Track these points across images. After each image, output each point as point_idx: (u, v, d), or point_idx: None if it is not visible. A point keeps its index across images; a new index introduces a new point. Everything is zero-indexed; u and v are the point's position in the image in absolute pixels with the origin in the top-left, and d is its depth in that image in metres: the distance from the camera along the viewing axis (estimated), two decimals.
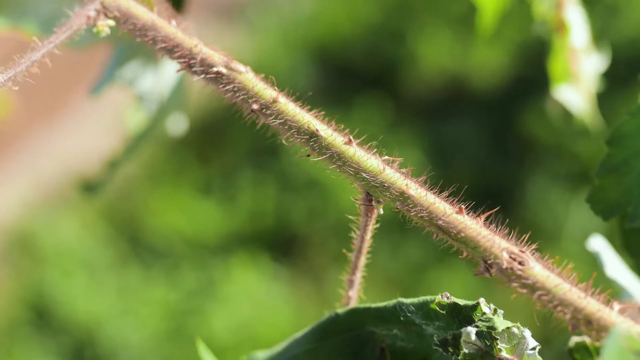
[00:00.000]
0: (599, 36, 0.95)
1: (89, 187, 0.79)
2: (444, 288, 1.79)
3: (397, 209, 0.52)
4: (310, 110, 0.53)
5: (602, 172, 0.59)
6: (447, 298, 0.53)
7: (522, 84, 2.47)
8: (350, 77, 2.53)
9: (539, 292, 0.49)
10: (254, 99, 0.53)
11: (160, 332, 2.15)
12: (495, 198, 2.29)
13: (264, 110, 0.53)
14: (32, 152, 2.47)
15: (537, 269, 0.50)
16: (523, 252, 0.50)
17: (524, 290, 0.50)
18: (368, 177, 0.52)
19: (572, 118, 0.94)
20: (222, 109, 2.35)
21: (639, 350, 0.44)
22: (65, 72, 2.24)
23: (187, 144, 2.43)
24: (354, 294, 0.56)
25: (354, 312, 0.56)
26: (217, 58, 0.54)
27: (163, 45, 0.54)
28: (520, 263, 0.50)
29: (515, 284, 0.50)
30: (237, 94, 0.53)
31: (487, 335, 0.52)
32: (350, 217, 0.55)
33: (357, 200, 0.54)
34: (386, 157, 0.52)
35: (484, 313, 0.52)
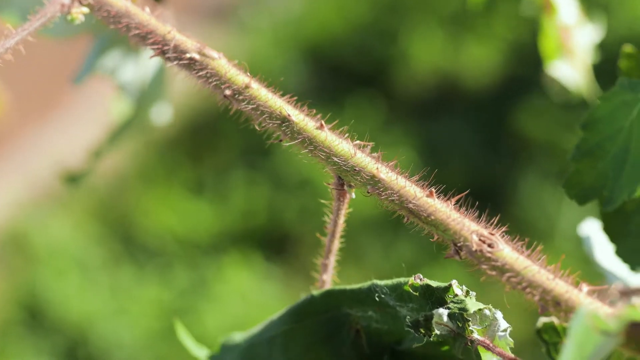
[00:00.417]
0: (590, 7, 0.95)
1: (72, 178, 0.79)
2: None
3: (369, 192, 0.52)
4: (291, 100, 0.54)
5: (576, 157, 0.59)
6: (420, 280, 0.53)
7: (514, 82, 2.47)
8: (342, 76, 2.54)
9: (508, 274, 0.50)
10: (227, 84, 0.54)
11: (153, 331, 2.15)
12: (488, 196, 2.29)
13: (236, 95, 0.54)
14: (25, 151, 2.47)
15: (506, 251, 0.50)
16: (492, 234, 0.50)
17: (493, 272, 0.50)
18: (339, 161, 0.53)
19: (569, 93, 0.94)
20: (214, 108, 2.36)
21: (605, 329, 0.44)
22: (58, 72, 2.24)
23: (179, 144, 2.44)
24: (328, 278, 0.57)
25: (330, 294, 0.56)
26: (190, 44, 0.54)
27: (137, 32, 0.55)
28: (489, 245, 0.50)
29: (484, 266, 0.50)
30: (210, 80, 0.54)
31: (459, 316, 0.52)
32: (323, 201, 0.55)
33: (329, 184, 0.54)
34: (357, 141, 0.53)
35: (456, 295, 0.52)
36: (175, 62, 0.54)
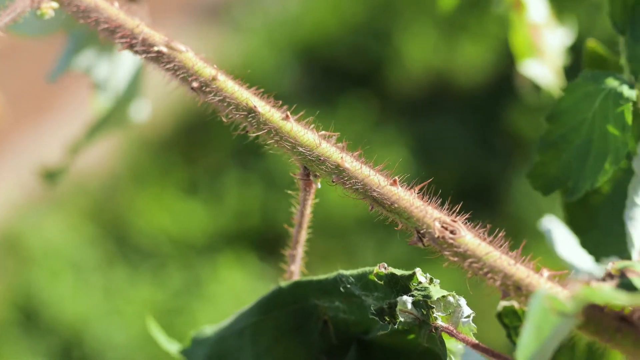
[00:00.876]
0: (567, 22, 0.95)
1: (50, 175, 0.80)
2: None
3: (334, 181, 0.53)
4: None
5: (541, 148, 0.60)
6: (385, 269, 0.54)
7: (506, 80, 2.47)
8: (335, 76, 2.54)
9: (469, 260, 0.50)
10: (194, 77, 0.55)
11: (147, 331, 2.15)
12: (481, 195, 2.30)
13: (203, 88, 0.54)
14: (19, 153, 2.48)
15: (468, 238, 0.51)
16: (455, 221, 0.51)
17: (456, 259, 0.50)
18: (305, 151, 0.53)
19: (541, 91, 0.95)
20: (207, 109, 2.36)
21: (562, 310, 0.45)
22: None
23: (172, 145, 2.44)
24: (296, 269, 0.57)
25: (297, 285, 0.57)
26: (158, 38, 0.55)
27: (105, 26, 0.55)
28: (452, 232, 0.51)
29: (447, 253, 0.51)
30: (178, 73, 0.55)
31: (423, 304, 0.53)
32: (290, 192, 0.56)
33: (295, 175, 0.55)
34: (323, 132, 0.54)
35: (420, 282, 0.53)
36: (143, 55, 0.55)
